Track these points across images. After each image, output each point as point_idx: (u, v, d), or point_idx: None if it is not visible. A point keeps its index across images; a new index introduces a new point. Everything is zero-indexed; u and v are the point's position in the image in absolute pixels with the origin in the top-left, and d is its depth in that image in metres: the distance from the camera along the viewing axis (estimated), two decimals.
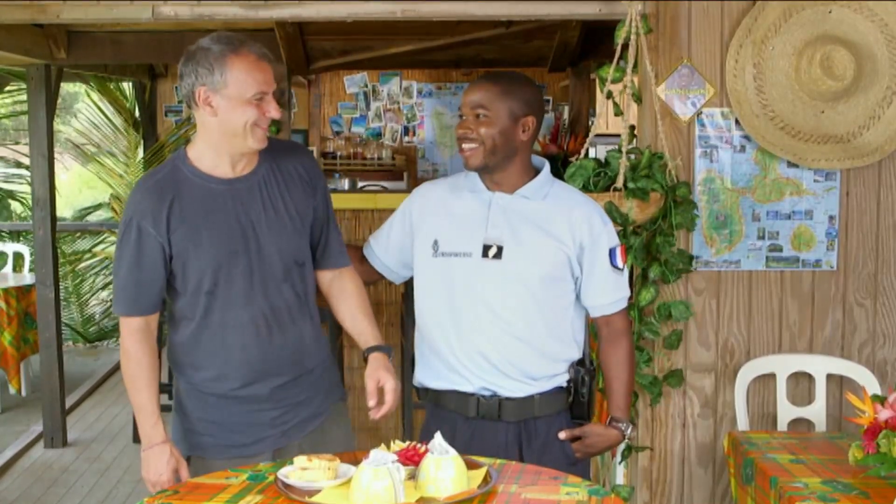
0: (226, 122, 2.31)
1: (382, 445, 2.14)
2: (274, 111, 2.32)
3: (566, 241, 2.50)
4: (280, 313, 2.43)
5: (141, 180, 2.42)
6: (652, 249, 3.24)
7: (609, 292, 2.58)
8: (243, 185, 2.39)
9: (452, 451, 2.05)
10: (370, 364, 2.45)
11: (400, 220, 2.67)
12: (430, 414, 2.63)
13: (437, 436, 2.10)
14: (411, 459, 2.07)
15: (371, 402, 2.39)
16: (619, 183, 3.12)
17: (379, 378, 2.40)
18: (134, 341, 2.38)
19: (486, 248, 2.49)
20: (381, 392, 2.40)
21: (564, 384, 2.56)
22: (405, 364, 4.19)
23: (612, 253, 2.55)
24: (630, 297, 2.71)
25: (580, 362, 2.58)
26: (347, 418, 2.64)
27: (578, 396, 2.56)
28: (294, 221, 2.44)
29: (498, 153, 2.48)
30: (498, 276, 2.48)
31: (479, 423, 2.52)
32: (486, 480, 2.09)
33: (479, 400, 2.51)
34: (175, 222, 2.34)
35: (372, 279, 2.75)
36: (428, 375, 2.60)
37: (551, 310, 2.53)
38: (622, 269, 2.58)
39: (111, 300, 8.38)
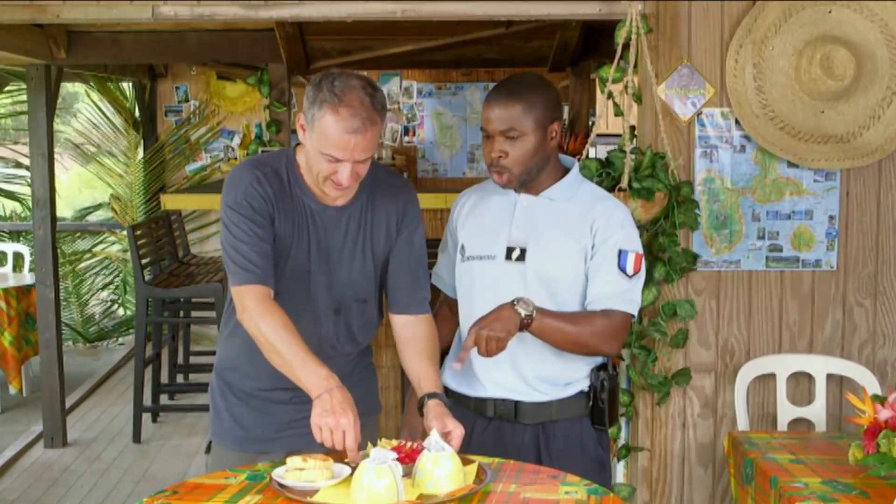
0: (309, 158, 2.30)
1: (369, 444, 2.14)
2: (345, 180, 2.23)
3: (584, 241, 2.45)
4: (324, 342, 2.41)
5: (250, 164, 2.37)
6: (654, 249, 3.24)
7: (607, 284, 2.43)
8: (333, 213, 2.38)
9: (449, 448, 2.06)
10: (431, 410, 2.27)
11: (451, 237, 2.65)
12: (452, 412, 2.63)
13: (434, 433, 2.11)
14: (403, 458, 2.08)
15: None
16: (624, 183, 3.12)
17: (445, 424, 2.22)
18: (256, 309, 2.24)
19: (509, 251, 2.48)
20: (447, 437, 2.21)
21: (586, 389, 2.52)
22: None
23: (622, 255, 2.44)
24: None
25: (602, 367, 2.53)
26: (376, 434, 2.58)
27: (598, 402, 2.51)
28: (366, 261, 2.42)
29: (533, 170, 2.45)
30: (520, 278, 2.45)
31: (497, 424, 2.51)
32: (479, 476, 2.09)
33: (496, 401, 2.50)
34: (277, 217, 2.34)
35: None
36: (452, 376, 2.59)
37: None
38: (631, 277, 2.45)
39: (111, 300, 8.45)
